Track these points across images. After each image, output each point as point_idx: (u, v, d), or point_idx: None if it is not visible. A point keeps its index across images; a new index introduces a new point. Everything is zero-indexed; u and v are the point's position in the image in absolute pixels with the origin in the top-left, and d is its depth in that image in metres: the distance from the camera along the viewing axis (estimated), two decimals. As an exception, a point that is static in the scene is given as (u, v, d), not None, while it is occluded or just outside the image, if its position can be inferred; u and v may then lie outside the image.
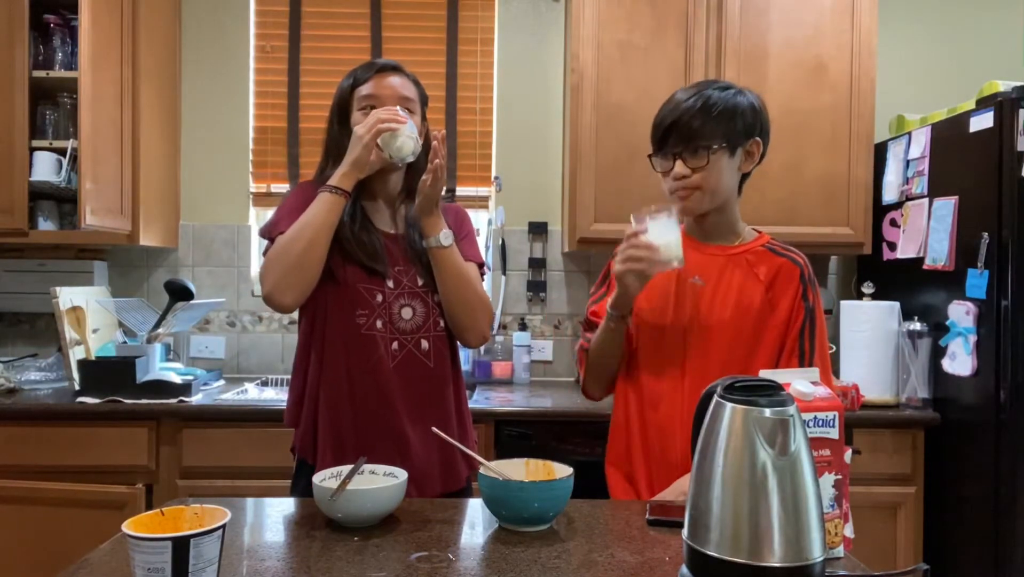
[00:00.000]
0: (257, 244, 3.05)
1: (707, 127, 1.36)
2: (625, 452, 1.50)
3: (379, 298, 1.48)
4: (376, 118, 1.42)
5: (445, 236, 1.48)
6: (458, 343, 1.61)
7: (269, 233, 1.51)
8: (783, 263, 1.43)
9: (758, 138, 1.42)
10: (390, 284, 1.50)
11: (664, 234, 1.33)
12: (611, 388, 1.55)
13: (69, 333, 2.46)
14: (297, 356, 1.56)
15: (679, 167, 1.38)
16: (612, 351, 1.47)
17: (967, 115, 2.24)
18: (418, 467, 1.44)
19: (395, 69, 1.55)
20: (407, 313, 1.50)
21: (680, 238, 1.33)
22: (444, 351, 1.55)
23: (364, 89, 1.52)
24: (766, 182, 2.60)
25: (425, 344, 1.51)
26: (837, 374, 2.64)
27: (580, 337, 1.57)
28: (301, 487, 1.53)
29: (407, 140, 1.44)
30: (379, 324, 1.48)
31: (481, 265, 1.61)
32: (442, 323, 1.54)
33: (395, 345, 1.49)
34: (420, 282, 1.52)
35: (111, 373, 2.36)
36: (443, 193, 1.48)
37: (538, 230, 3.01)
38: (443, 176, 1.45)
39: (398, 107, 1.47)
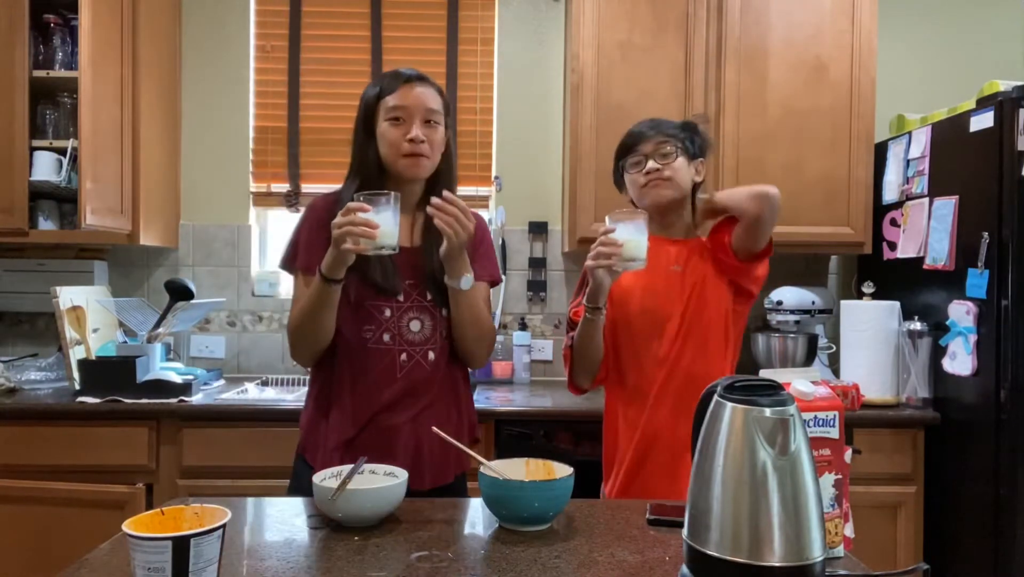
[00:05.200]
0: (258, 244, 3.06)
1: (671, 133, 1.66)
2: (613, 445, 1.69)
3: (387, 313, 1.51)
4: (349, 220, 1.34)
5: (466, 281, 1.48)
6: None
7: (288, 265, 1.58)
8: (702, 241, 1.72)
9: (702, 159, 1.72)
10: (400, 298, 1.52)
11: (632, 234, 1.48)
12: (596, 379, 1.70)
13: (69, 333, 2.46)
14: (313, 368, 1.60)
15: (651, 163, 1.64)
16: (593, 342, 1.63)
17: (967, 115, 2.24)
18: (413, 467, 1.43)
19: (421, 79, 1.56)
20: (415, 326, 1.53)
21: (646, 242, 1.49)
22: (450, 361, 1.58)
23: (391, 100, 1.51)
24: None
25: (432, 355, 1.54)
26: (837, 373, 2.64)
27: (564, 338, 1.74)
28: (297, 488, 1.54)
29: (381, 244, 1.36)
30: (387, 337, 1.51)
31: (495, 282, 1.65)
32: (446, 333, 1.57)
33: (403, 356, 1.52)
34: (428, 296, 1.54)
35: (111, 373, 2.36)
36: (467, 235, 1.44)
37: (538, 230, 3.02)
38: (457, 231, 1.40)
39: (367, 209, 1.35)
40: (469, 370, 1.66)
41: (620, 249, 1.47)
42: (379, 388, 1.50)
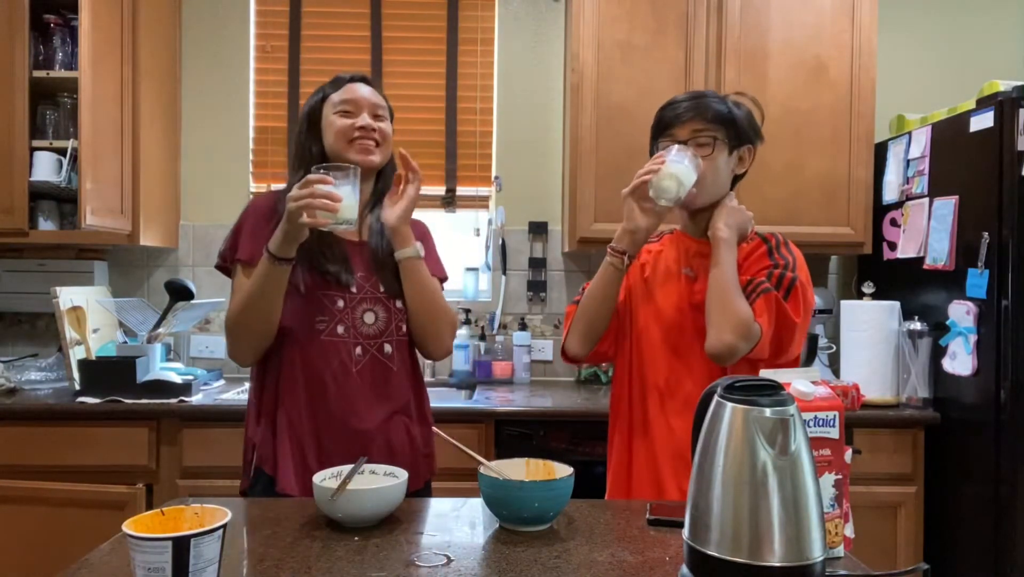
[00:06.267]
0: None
1: (712, 118, 1.44)
2: (626, 447, 1.53)
3: (340, 304, 1.48)
4: (309, 192, 1.30)
5: (419, 247, 1.50)
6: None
7: (226, 257, 1.53)
8: (755, 244, 1.49)
9: (750, 145, 1.49)
10: (353, 290, 1.49)
11: (681, 162, 1.37)
12: (594, 348, 1.54)
13: (69, 333, 2.46)
14: (255, 366, 1.55)
15: None
16: (605, 298, 1.49)
17: (967, 115, 2.24)
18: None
19: (366, 80, 1.57)
20: (370, 318, 1.50)
21: (693, 179, 1.38)
22: (406, 355, 1.56)
23: (337, 96, 1.53)
24: (766, 182, 2.60)
25: (388, 348, 1.51)
26: (837, 373, 2.64)
27: (575, 297, 1.60)
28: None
29: (341, 219, 1.34)
30: (340, 329, 1.47)
31: (443, 280, 1.65)
32: (404, 328, 1.54)
33: (359, 350, 1.48)
34: (382, 288, 1.52)
35: (111, 373, 2.36)
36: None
37: (538, 230, 3.01)
38: (416, 184, 1.48)
39: (332, 181, 1.33)
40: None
41: (662, 166, 1.36)
42: (335, 383, 1.46)
